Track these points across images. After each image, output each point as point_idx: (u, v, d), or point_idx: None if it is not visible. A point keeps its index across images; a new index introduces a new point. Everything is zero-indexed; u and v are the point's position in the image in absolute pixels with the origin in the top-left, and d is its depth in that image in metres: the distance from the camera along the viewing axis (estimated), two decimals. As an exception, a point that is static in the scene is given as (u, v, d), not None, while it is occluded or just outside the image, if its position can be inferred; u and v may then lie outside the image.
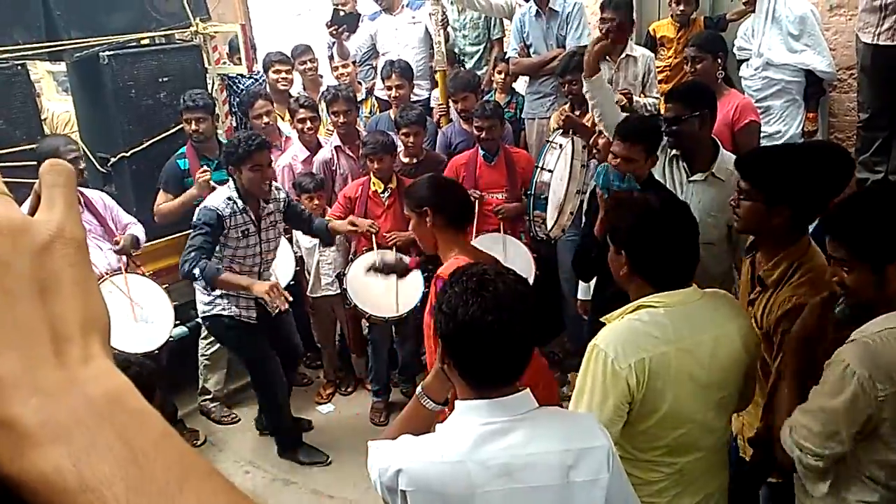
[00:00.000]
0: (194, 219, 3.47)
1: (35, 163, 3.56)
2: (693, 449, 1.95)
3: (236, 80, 4.90)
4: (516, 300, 1.53)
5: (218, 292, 3.57)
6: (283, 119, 4.99)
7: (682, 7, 4.97)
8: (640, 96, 4.56)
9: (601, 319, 2.05)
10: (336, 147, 4.46)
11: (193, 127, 4.10)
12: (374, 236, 3.97)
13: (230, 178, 3.55)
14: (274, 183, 3.67)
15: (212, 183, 3.93)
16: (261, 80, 5.00)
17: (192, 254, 3.34)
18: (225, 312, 3.63)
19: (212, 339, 4.20)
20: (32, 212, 0.43)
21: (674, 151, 3.18)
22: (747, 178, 2.35)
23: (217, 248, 3.48)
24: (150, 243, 4.01)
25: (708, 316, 1.94)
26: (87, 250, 0.43)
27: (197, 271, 3.27)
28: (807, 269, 2.27)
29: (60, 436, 0.37)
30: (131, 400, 0.40)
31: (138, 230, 3.88)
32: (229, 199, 3.48)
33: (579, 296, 3.88)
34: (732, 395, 2.01)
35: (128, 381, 0.41)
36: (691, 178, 3.14)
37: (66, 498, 0.36)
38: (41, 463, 0.36)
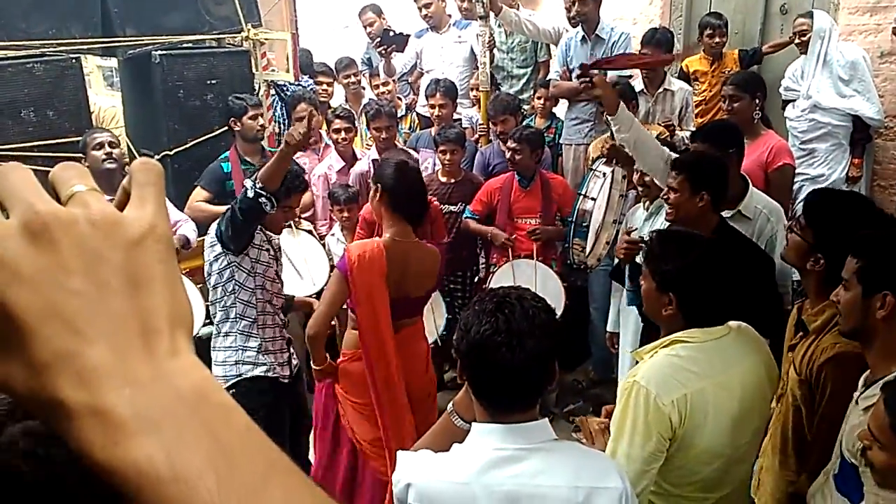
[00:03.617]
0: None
1: (80, 155, 3.61)
2: (725, 483, 1.97)
3: (284, 87, 4.95)
4: (532, 326, 1.48)
5: (255, 350, 3.00)
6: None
7: (716, 39, 5.01)
8: (677, 129, 4.54)
9: (632, 353, 2.04)
10: (374, 160, 4.46)
11: (260, 122, 4.22)
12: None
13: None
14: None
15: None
16: (307, 87, 5.06)
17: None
18: (270, 374, 3.03)
19: None
20: (120, 207, 0.44)
21: None
22: (806, 215, 2.33)
23: (244, 264, 2.98)
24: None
25: (737, 349, 1.98)
26: (174, 248, 0.45)
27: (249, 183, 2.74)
28: None
29: (152, 426, 0.38)
30: (216, 394, 0.41)
31: (188, 228, 3.80)
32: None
33: (609, 328, 3.83)
34: (759, 427, 2.04)
35: (210, 375, 0.42)
36: None
37: (158, 487, 0.37)
38: (134, 452, 0.37)
